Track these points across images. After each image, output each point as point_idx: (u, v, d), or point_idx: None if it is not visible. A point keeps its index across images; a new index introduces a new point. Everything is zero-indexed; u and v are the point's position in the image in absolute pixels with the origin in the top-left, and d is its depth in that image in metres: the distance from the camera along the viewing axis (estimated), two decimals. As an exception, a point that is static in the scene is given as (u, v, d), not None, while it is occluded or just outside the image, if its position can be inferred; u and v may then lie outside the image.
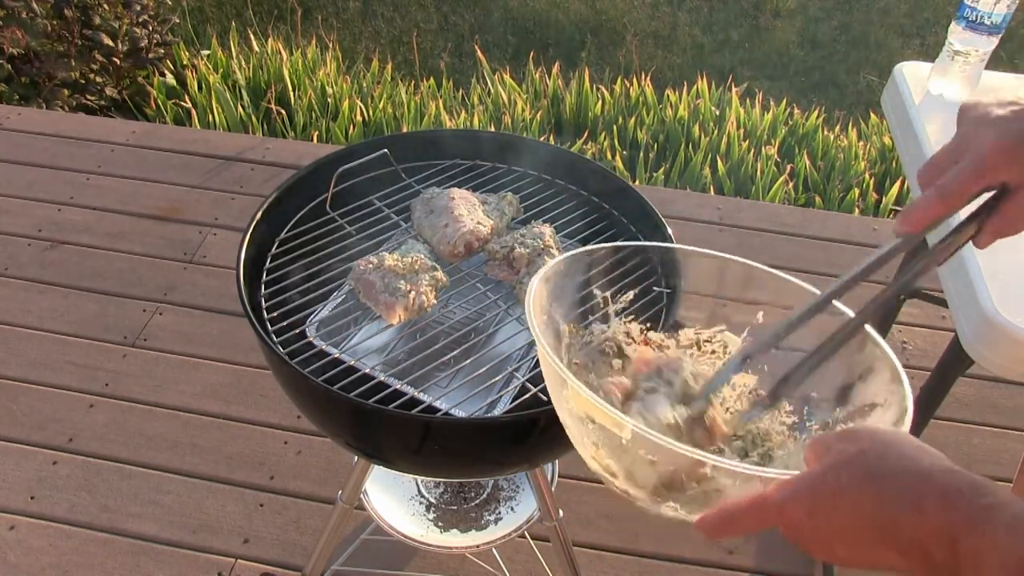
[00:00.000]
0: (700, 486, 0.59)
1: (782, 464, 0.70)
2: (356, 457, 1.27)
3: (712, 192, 2.79)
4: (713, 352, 0.79)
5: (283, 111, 3.02)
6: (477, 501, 1.45)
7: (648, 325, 0.81)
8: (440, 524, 1.41)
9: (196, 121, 2.99)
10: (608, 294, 0.81)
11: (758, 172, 2.84)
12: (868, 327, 0.69)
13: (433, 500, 1.45)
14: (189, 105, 3.01)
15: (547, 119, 3.15)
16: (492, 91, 3.26)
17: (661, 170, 2.88)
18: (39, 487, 1.75)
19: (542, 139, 2.76)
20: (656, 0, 4.32)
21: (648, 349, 0.78)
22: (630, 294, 0.83)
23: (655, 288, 0.85)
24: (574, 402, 0.63)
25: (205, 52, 3.35)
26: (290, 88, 3.12)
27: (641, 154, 2.96)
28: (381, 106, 3.07)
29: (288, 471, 1.80)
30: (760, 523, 0.53)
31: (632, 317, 0.82)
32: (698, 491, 0.59)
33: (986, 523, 0.44)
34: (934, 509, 0.46)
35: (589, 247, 0.79)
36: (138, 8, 3.17)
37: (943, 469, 0.48)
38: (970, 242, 0.65)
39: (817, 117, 3.13)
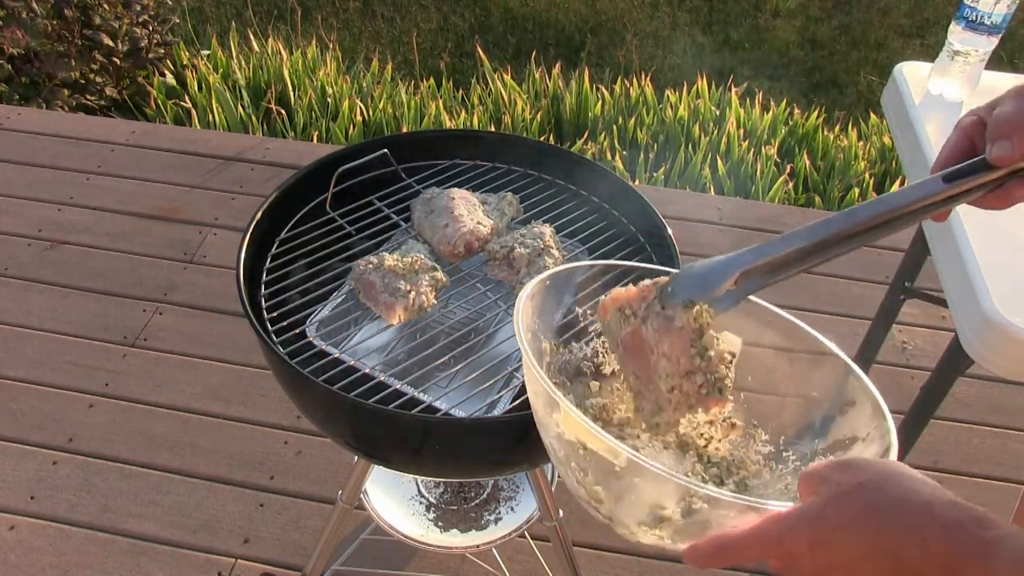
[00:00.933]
0: (692, 516, 0.57)
1: (757, 494, 0.69)
2: (356, 457, 1.27)
3: (712, 192, 2.79)
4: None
5: (283, 111, 3.02)
6: (477, 501, 1.45)
7: None
8: (440, 524, 1.41)
9: (196, 121, 2.99)
10: (588, 310, 0.79)
11: (758, 172, 2.84)
12: (849, 361, 0.68)
13: (433, 500, 1.45)
14: (189, 105, 3.01)
15: (547, 119, 3.15)
16: (492, 91, 3.26)
17: (661, 170, 2.88)
18: (39, 487, 1.75)
19: (542, 139, 2.77)
20: (656, 0, 4.32)
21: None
22: None
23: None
24: (565, 426, 0.61)
25: (205, 52, 3.35)
26: (290, 88, 3.12)
27: (641, 154, 2.96)
28: (381, 106, 3.07)
29: (288, 471, 1.80)
30: (757, 555, 0.52)
31: None
32: (689, 521, 0.57)
33: (990, 556, 0.44)
34: (937, 542, 0.46)
35: (574, 264, 0.77)
36: (138, 8, 3.17)
37: (945, 502, 0.47)
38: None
39: (817, 117, 3.13)
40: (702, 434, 0.75)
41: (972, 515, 0.46)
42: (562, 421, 0.61)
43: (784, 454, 0.72)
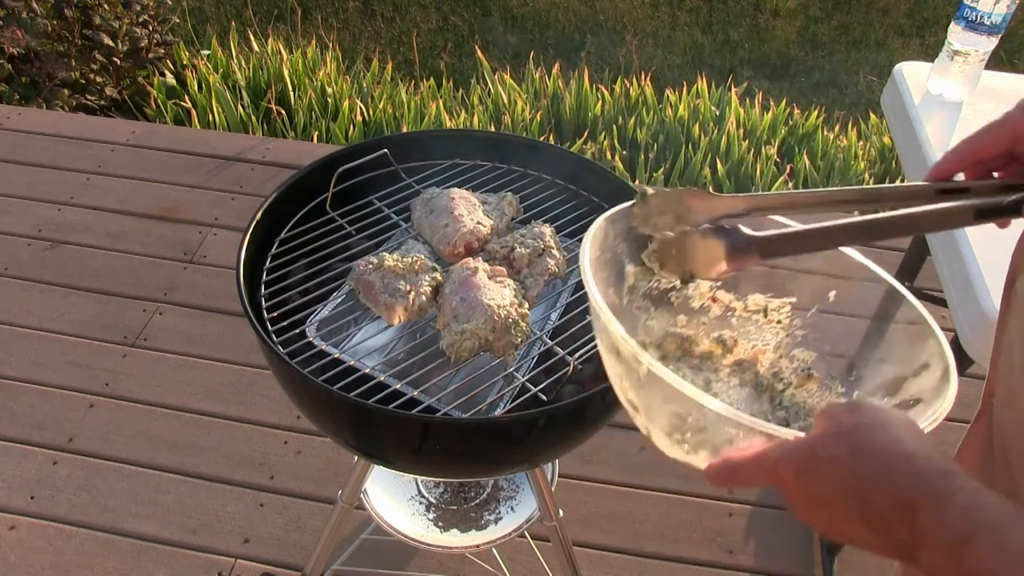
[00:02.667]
0: (707, 433, 0.59)
1: None
2: (356, 457, 1.27)
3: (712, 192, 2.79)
4: (779, 322, 0.79)
5: (283, 111, 3.02)
6: (477, 501, 1.45)
7: (719, 284, 0.79)
8: (440, 524, 1.41)
9: (196, 121, 2.99)
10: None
11: (758, 172, 2.84)
12: (935, 325, 0.69)
13: (433, 500, 1.45)
14: (189, 105, 3.01)
15: (547, 119, 3.15)
16: (492, 91, 3.26)
17: (661, 170, 2.88)
18: (39, 487, 1.75)
19: (542, 139, 2.77)
20: (656, 0, 4.32)
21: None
22: None
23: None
24: (604, 333, 0.63)
25: (205, 52, 3.35)
26: (290, 88, 3.12)
27: (641, 154, 2.96)
28: (381, 106, 3.07)
29: (288, 471, 1.80)
30: (757, 477, 0.55)
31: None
32: (706, 436, 0.59)
33: (945, 505, 0.46)
34: (903, 491, 0.48)
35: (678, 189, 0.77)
36: (138, 8, 3.17)
37: (925, 455, 0.49)
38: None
39: (817, 117, 3.13)
40: (781, 379, 0.76)
41: (940, 468, 0.48)
42: (602, 327, 0.62)
43: None
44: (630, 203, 0.72)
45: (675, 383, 0.56)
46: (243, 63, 3.26)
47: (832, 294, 0.76)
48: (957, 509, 0.46)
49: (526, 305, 1.02)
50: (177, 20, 3.48)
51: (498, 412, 0.97)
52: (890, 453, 0.49)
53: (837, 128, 3.21)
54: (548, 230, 1.13)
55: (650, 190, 0.71)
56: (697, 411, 0.59)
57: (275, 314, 1.02)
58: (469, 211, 1.14)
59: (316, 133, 2.96)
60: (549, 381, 0.96)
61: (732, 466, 0.56)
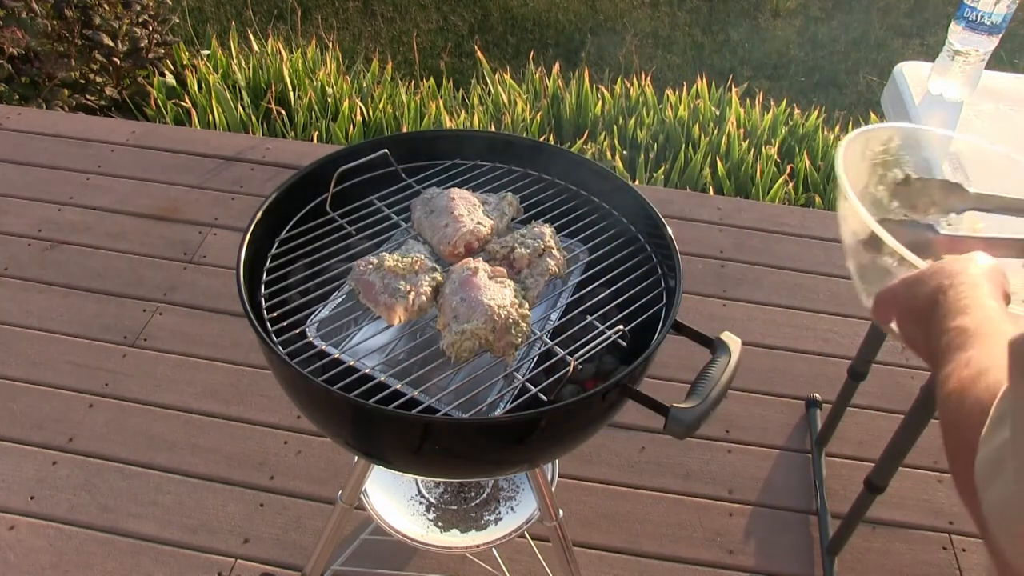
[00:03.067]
0: (877, 264, 0.76)
1: None
2: (356, 457, 1.27)
3: (712, 192, 2.79)
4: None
5: (283, 111, 3.02)
6: (477, 501, 1.45)
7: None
8: (440, 524, 1.41)
9: (196, 121, 2.99)
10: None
11: (758, 172, 2.84)
12: None
13: (433, 500, 1.45)
14: (189, 105, 3.01)
15: (547, 119, 3.15)
16: (492, 91, 3.26)
17: (661, 170, 2.88)
18: (39, 487, 1.75)
19: (542, 139, 2.77)
20: (656, 0, 4.32)
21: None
22: None
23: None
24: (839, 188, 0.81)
25: (205, 52, 3.35)
26: (290, 88, 3.12)
27: (641, 154, 2.96)
28: (381, 106, 3.07)
29: (288, 471, 1.80)
30: (891, 298, 0.69)
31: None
32: (877, 268, 0.77)
33: (951, 298, 0.60)
34: (942, 291, 0.62)
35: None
36: (138, 8, 3.17)
37: (976, 275, 0.62)
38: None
39: (817, 117, 3.13)
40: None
41: (974, 281, 0.62)
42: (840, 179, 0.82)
43: None
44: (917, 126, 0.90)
45: (856, 206, 0.75)
46: (243, 63, 3.26)
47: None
48: (954, 300, 0.60)
49: (526, 305, 1.02)
50: (177, 20, 3.48)
51: (498, 412, 0.97)
52: (957, 273, 0.63)
53: (837, 128, 3.21)
54: (548, 230, 1.13)
55: (914, 175, 0.89)
56: (873, 240, 0.75)
57: (275, 314, 1.02)
58: (469, 211, 1.13)
59: (316, 133, 2.96)
60: (549, 381, 0.96)
61: (881, 293, 0.71)
